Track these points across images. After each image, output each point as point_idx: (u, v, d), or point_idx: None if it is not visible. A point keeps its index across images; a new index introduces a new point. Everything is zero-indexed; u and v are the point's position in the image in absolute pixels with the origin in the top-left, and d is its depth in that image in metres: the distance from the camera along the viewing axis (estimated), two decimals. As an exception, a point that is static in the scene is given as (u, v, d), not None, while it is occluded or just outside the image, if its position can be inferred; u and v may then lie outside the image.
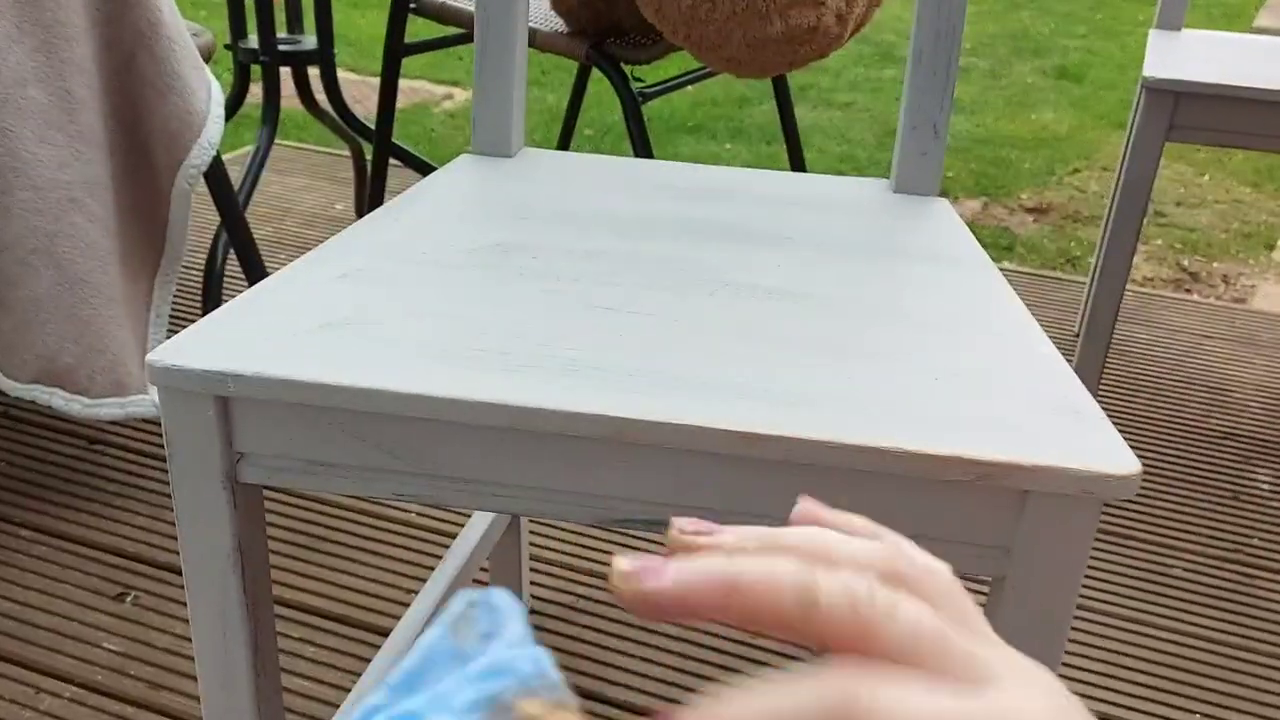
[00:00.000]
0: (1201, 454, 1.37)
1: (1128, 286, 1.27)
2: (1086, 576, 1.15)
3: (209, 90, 1.10)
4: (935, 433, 0.44)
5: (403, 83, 1.61)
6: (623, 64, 1.35)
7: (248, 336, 0.50)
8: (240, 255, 1.35)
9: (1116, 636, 1.06)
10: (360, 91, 3.08)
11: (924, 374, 0.49)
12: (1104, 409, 0.43)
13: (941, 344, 0.53)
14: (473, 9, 1.48)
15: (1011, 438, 0.44)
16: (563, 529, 1.16)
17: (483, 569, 1.07)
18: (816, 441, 0.44)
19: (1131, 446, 0.44)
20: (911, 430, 0.44)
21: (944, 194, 0.75)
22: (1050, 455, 0.43)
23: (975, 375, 0.50)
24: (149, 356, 0.47)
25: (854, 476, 0.45)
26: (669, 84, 1.46)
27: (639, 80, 1.38)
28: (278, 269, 1.50)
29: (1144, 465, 1.30)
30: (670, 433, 0.45)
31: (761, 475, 0.46)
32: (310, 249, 1.82)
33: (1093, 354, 1.25)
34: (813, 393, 0.47)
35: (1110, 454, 0.44)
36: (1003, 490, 0.44)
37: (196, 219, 1.84)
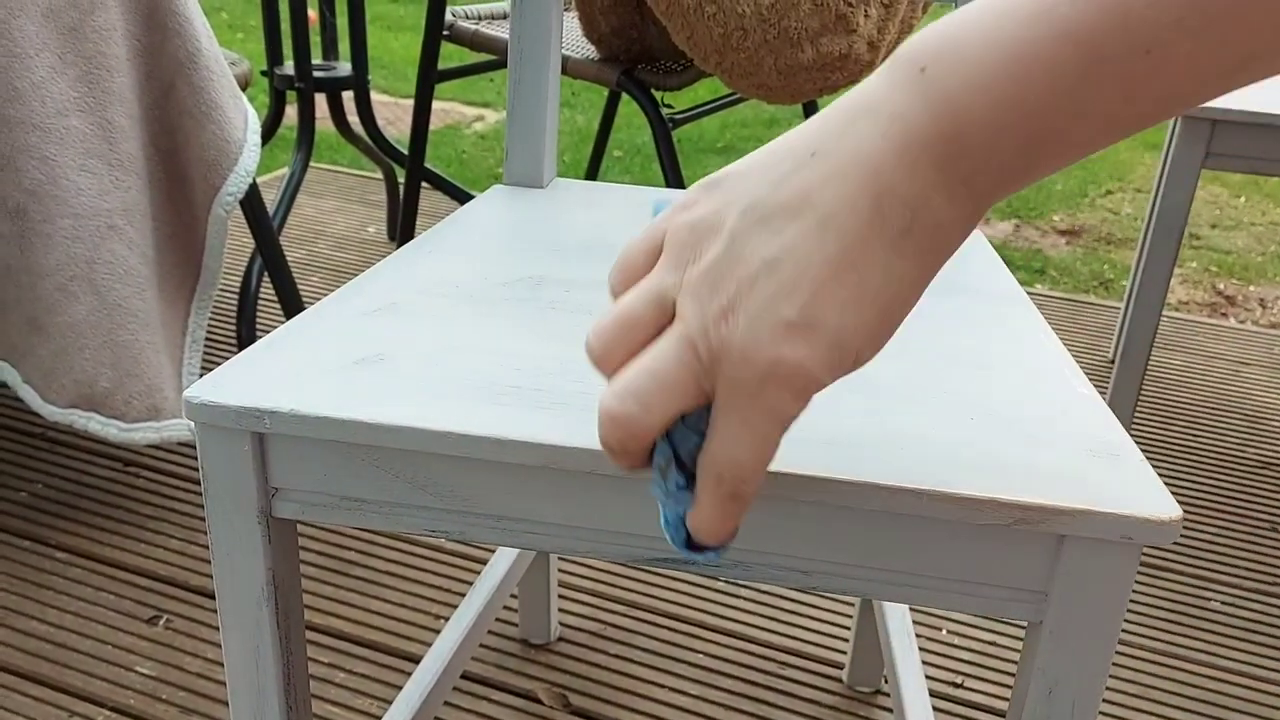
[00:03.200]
0: (1239, 484, 1.35)
1: (1162, 311, 1.25)
2: (1122, 608, 1.14)
3: (246, 119, 1.11)
4: (970, 475, 0.44)
5: (434, 104, 1.63)
6: (653, 90, 1.36)
7: (283, 372, 0.50)
8: (274, 279, 1.36)
9: (1153, 671, 1.05)
10: (393, 113, 3.11)
11: (958, 413, 0.49)
12: (1138, 438, 0.42)
13: (976, 382, 0.52)
14: (504, 35, 1.49)
15: (1048, 480, 0.44)
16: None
17: (512, 595, 1.07)
18: (849, 483, 0.44)
19: (1167, 477, 0.43)
20: (946, 472, 0.44)
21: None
22: (1088, 499, 0.43)
23: (1010, 415, 0.49)
24: (186, 393, 0.48)
25: (887, 519, 0.44)
26: (699, 109, 1.46)
27: (669, 106, 1.39)
28: (310, 292, 1.51)
29: (1180, 496, 1.28)
30: (703, 473, 0.45)
31: (793, 516, 0.45)
32: (342, 271, 1.84)
33: (1128, 383, 1.24)
34: (845, 432, 0.47)
35: (1150, 498, 0.43)
36: (1040, 535, 0.44)
37: (231, 242, 1.87)
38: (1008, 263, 2.14)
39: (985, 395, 0.51)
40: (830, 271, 0.31)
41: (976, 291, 0.64)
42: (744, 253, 0.31)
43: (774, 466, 0.44)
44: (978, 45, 0.29)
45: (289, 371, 0.50)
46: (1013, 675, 1.04)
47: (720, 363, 0.32)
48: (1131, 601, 1.14)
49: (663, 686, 0.99)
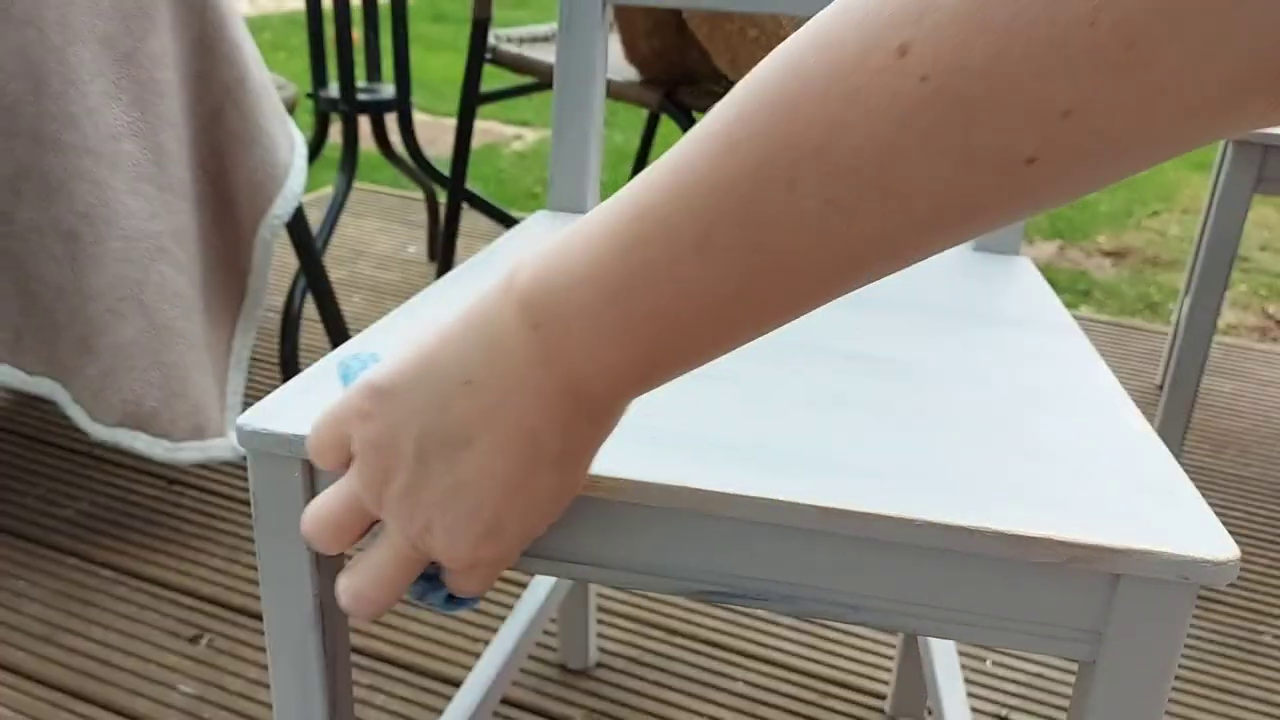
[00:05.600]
0: (1292, 513, 1.32)
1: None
2: (1170, 640, 1.11)
3: (292, 143, 1.12)
4: (1023, 511, 0.43)
5: (474, 124, 1.64)
6: (694, 112, 1.36)
7: (333, 401, 0.50)
8: (317, 299, 1.37)
9: (1204, 706, 1.02)
10: (433, 133, 3.15)
11: (1009, 448, 0.48)
12: (1187, 467, 0.41)
13: (1027, 416, 0.52)
14: (546, 58, 1.50)
15: (1102, 519, 0.43)
16: (630, 579, 1.15)
17: (551, 619, 1.07)
18: (899, 519, 0.43)
19: (1218, 507, 0.42)
20: (998, 508, 0.43)
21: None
22: (1143, 538, 0.42)
23: (1063, 450, 0.48)
24: (239, 420, 0.48)
25: (938, 555, 0.44)
26: (740, 132, 1.46)
27: (710, 128, 1.38)
28: (352, 311, 1.52)
29: (1231, 526, 1.26)
30: (746, 506, 0.44)
31: (841, 551, 0.45)
32: (384, 291, 1.85)
33: (1177, 411, 1.22)
34: (894, 466, 0.46)
35: (1207, 538, 0.42)
36: (1094, 574, 0.43)
37: (275, 261, 1.89)
38: (1052, 284, 2.11)
39: (1036, 430, 0.50)
40: (504, 492, 0.37)
41: (1029, 323, 0.63)
42: (428, 480, 0.37)
43: (824, 502, 0.43)
44: (577, 317, 0.34)
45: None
46: (1059, 708, 1.02)
47: (431, 557, 0.39)
48: (1180, 633, 1.12)
49: (702, 715, 0.98)
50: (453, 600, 0.43)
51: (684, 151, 0.32)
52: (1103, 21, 0.25)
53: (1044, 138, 0.27)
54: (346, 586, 0.42)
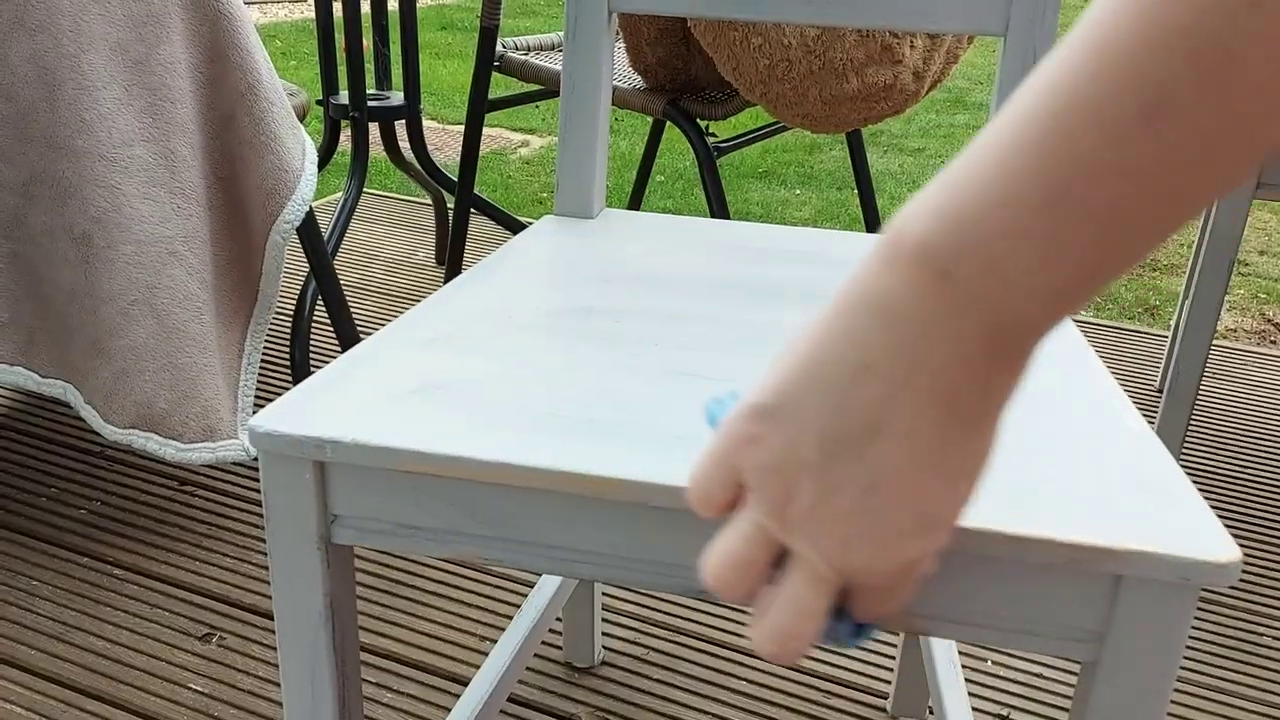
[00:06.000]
0: (1292, 516, 1.33)
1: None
2: (1171, 642, 1.12)
3: (303, 149, 1.14)
4: (1024, 513, 0.44)
5: (482, 130, 1.65)
6: (698, 119, 1.37)
7: (344, 402, 0.51)
8: (328, 303, 1.39)
9: (1203, 707, 1.03)
10: (440, 139, 3.16)
11: (1010, 449, 0.49)
12: (1187, 469, 0.42)
13: (1025, 417, 0.52)
14: (552, 66, 1.51)
15: (1104, 520, 0.44)
16: (635, 580, 1.16)
17: (557, 618, 1.08)
18: (900, 518, 0.44)
19: (1216, 508, 0.43)
20: (998, 509, 0.44)
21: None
22: (1145, 540, 0.43)
23: (1062, 451, 0.49)
24: (251, 421, 0.49)
25: (938, 556, 0.45)
26: (743, 138, 1.47)
27: (713, 135, 1.40)
28: (362, 315, 1.54)
29: (1230, 527, 1.26)
30: (753, 506, 0.45)
31: (844, 550, 0.46)
32: (393, 295, 1.86)
33: (1176, 413, 1.22)
34: (896, 468, 0.47)
35: (1209, 539, 0.43)
36: (1096, 575, 0.44)
37: (285, 264, 1.90)
38: (1054, 289, 2.10)
39: (1037, 432, 0.51)
40: (924, 476, 0.33)
41: (1025, 325, 0.64)
42: (838, 486, 0.33)
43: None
44: (1000, 242, 0.30)
45: (349, 401, 0.52)
46: (1060, 707, 1.02)
47: (854, 579, 0.35)
48: (1181, 635, 1.13)
49: (705, 713, 0.99)
50: (859, 629, 0.39)
51: (1095, 30, 0.29)
52: None
53: None
54: (765, 630, 0.36)
